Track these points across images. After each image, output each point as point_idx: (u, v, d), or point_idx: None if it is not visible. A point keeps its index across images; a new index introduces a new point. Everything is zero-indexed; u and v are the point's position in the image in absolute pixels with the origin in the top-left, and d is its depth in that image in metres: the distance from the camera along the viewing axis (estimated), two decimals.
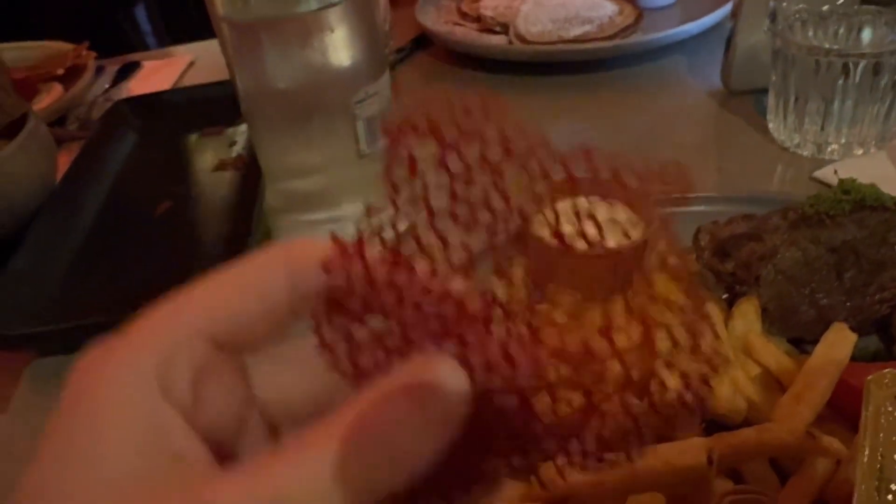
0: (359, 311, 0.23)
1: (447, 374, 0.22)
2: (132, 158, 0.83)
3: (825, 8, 0.70)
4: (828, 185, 0.65)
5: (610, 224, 0.53)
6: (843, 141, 0.69)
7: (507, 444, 0.24)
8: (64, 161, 0.88)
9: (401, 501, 0.23)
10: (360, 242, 0.23)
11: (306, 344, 0.24)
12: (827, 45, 0.67)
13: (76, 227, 0.71)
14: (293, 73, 0.56)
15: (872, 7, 0.69)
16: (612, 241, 0.51)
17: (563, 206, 0.57)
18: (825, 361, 0.41)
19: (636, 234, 0.52)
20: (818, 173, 0.67)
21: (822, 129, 0.70)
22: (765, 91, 0.78)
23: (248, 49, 0.56)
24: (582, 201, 0.57)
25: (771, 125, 0.74)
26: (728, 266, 0.46)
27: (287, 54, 0.55)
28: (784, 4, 0.71)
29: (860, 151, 0.69)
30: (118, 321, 0.23)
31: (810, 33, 0.70)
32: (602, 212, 0.55)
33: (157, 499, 0.20)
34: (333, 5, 0.54)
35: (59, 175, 0.81)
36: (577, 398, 0.40)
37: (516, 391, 0.23)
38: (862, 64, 0.65)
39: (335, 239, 0.23)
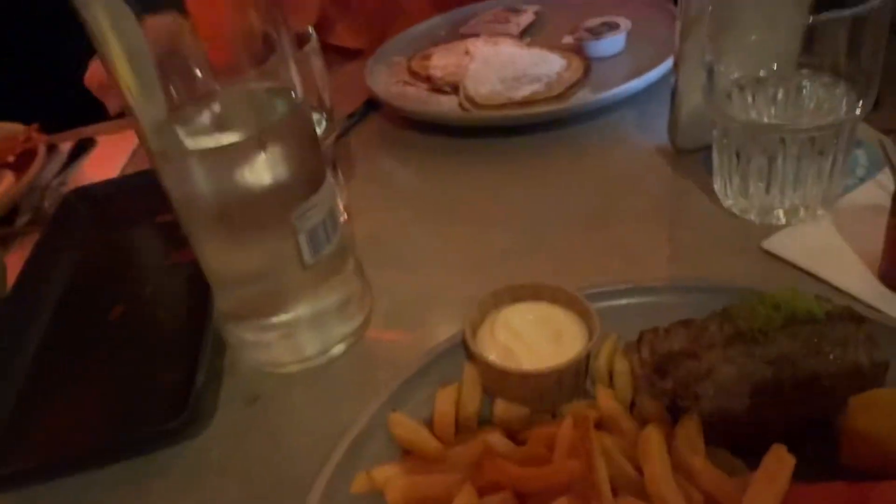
0: None
1: None
2: (84, 258, 0.82)
3: (762, 73, 0.71)
4: (778, 258, 0.65)
5: (554, 338, 0.53)
6: (786, 206, 0.69)
7: None
8: (18, 256, 0.88)
9: None
10: None
11: None
12: (766, 118, 0.67)
13: (27, 342, 0.70)
14: (225, 196, 0.55)
15: (809, 71, 0.69)
16: (554, 359, 0.51)
17: (509, 320, 0.56)
18: (765, 488, 0.41)
19: (579, 347, 0.52)
20: (767, 244, 0.67)
21: (767, 192, 0.70)
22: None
23: (178, 175, 0.55)
24: (528, 314, 0.56)
25: (717, 188, 0.75)
26: (668, 384, 0.46)
27: (217, 180, 0.54)
28: (721, 68, 0.71)
29: (805, 215, 0.69)
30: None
31: (749, 99, 0.71)
32: (545, 327, 0.54)
33: None
34: (263, 132, 0.53)
35: (12, 277, 0.81)
36: None
37: None
38: (799, 137, 0.65)
39: None
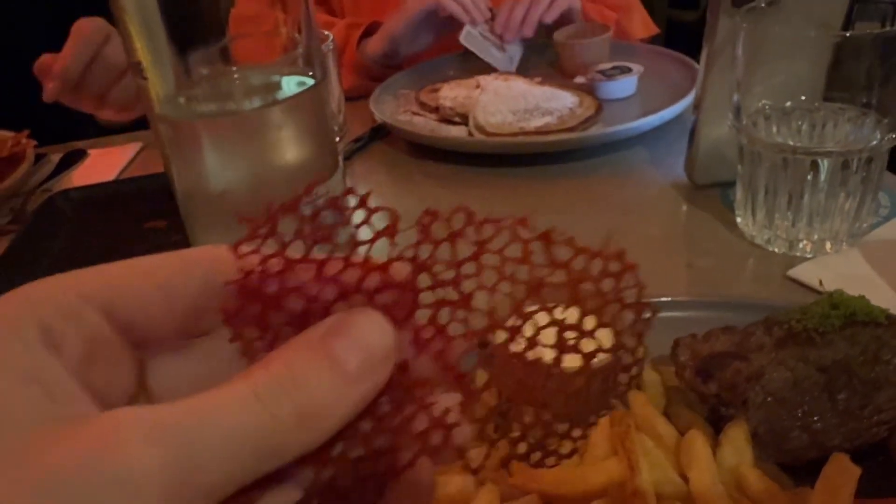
0: (274, 298, 0.22)
1: (368, 325, 0.21)
2: (64, 258, 0.77)
3: (788, 104, 0.69)
4: (804, 286, 0.62)
5: (581, 335, 0.49)
6: (815, 237, 0.67)
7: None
8: None
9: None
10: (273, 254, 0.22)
11: (212, 343, 0.23)
12: (791, 142, 0.66)
13: None
14: (235, 174, 0.51)
15: (835, 104, 0.68)
16: (587, 356, 0.47)
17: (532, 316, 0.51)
18: (828, 500, 0.36)
19: (607, 345, 0.48)
20: (793, 272, 0.64)
21: (793, 224, 0.67)
22: (730, 184, 0.76)
23: (187, 149, 0.52)
24: (545, 314, 0.52)
25: (739, 220, 0.72)
26: (712, 387, 0.42)
27: (228, 155, 0.51)
28: (749, 94, 0.70)
29: (831, 248, 0.67)
30: None
31: (774, 129, 0.69)
32: (574, 322, 0.50)
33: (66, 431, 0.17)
34: (277, 103, 0.50)
35: None
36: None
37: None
38: (829, 161, 0.63)
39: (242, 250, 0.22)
